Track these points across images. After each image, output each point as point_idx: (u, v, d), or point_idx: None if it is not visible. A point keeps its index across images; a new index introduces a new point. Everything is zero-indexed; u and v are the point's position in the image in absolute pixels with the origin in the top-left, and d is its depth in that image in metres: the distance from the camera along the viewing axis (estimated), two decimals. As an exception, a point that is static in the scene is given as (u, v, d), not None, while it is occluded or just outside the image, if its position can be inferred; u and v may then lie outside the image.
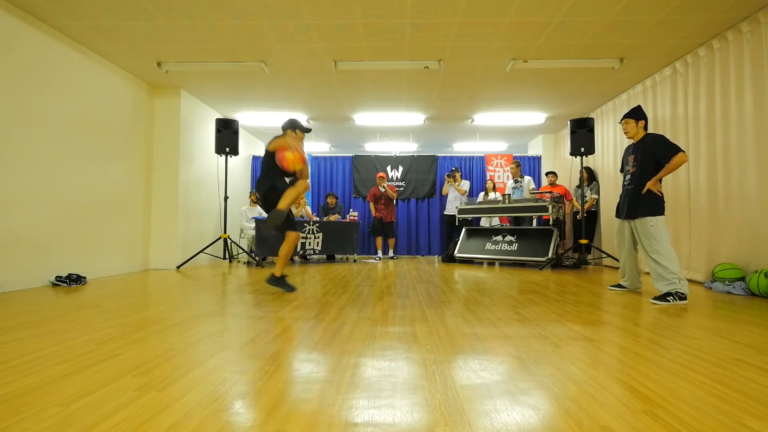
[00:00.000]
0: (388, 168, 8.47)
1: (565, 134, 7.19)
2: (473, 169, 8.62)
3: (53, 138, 3.98)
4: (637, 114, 3.38)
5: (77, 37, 4.14)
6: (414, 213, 8.49)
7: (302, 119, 7.06)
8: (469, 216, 6.85)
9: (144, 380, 1.42)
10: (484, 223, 7.47)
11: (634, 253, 3.50)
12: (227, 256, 6.24)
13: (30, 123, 3.73)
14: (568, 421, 1.14)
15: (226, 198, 5.98)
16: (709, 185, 4.11)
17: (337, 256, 7.62)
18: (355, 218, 7.29)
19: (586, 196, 6.30)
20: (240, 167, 7.92)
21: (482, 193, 7.55)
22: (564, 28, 3.95)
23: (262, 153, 8.29)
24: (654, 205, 3.20)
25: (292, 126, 3.44)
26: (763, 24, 3.53)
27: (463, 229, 6.88)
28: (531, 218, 6.46)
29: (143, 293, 3.39)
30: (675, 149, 3.11)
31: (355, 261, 7.10)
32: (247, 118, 7.03)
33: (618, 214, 3.53)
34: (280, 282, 3.43)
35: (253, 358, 1.68)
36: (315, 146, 9.28)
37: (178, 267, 5.51)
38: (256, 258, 6.10)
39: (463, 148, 9.26)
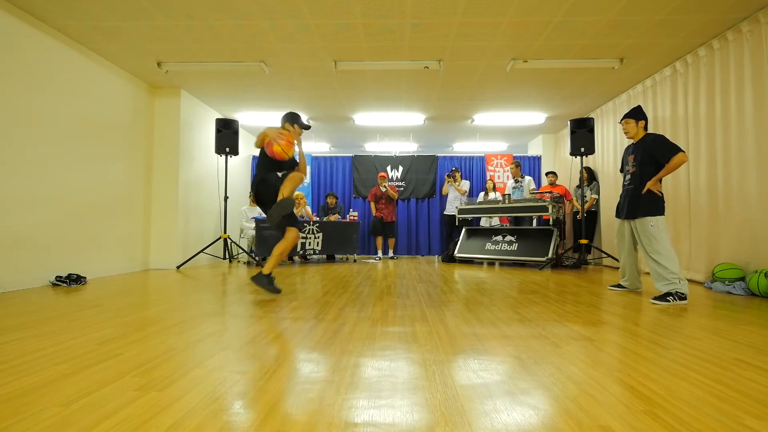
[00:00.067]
0: (388, 168, 8.47)
1: (565, 134, 7.18)
2: (473, 169, 8.62)
3: (53, 138, 3.98)
4: (637, 114, 3.38)
5: (77, 37, 4.14)
6: (414, 213, 8.49)
7: (303, 119, 7.05)
8: (469, 216, 6.85)
9: (144, 380, 1.42)
10: (484, 223, 7.47)
11: (634, 253, 3.50)
12: (227, 256, 6.24)
13: (30, 123, 3.73)
14: (568, 421, 1.14)
15: (226, 198, 5.98)
16: (709, 185, 4.11)
17: (337, 256, 7.62)
18: (355, 218, 7.29)
19: (586, 196, 6.30)
20: (240, 167, 7.92)
21: (482, 193, 7.55)
22: (564, 28, 3.95)
23: (262, 153, 8.27)
24: (654, 205, 3.20)
25: (290, 120, 3.36)
26: (763, 24, 3.53)
27: (463, 229, 6.88)
28: (531, 218, 6.46)
29: (143, 293, 3.39)
30: (675, 149, 3.11)
31: (355, 261, 7.10)
32: (247, 118, 7.03)
33: (618, 214, 3.53)
34: (265, 281, 3.13)
35: (253, 358, 1.68)
36: (315, 146, 9.28)
37: (178, 267, 5.51)
38: (256, 258, 6.09)
39: (463, 148, 9.26)
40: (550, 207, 5.68)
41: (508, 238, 6.17)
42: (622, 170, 3.59)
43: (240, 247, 6.38)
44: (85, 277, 4.05)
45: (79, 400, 1.25)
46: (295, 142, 3.25)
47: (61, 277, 3.88)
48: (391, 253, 7.71)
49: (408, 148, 9.22)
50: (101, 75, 4.64)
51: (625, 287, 3.58)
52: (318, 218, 7.12)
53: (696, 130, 4.32)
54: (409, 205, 8.49)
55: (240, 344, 1.88)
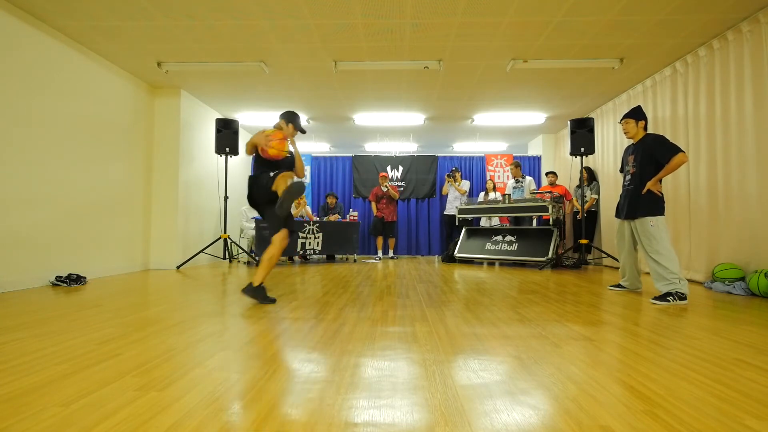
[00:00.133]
0: (388, 168, 8.47)
1: (565, 134, 7.19)
2: (473, 169, 8.62)
3: (53, 138, 3.98)
4: (637, 114, 3.38)
5: (77, 37, 4.14)
6: (414, 213, 8.49)
7: (302, 119, 7.07)
8: (469, 216, 6.85)
9: (144, 380, 1.42)
10: (484, 223, 7.47)
11: (633, 253, 3.50)
12: (227, 256, 6.24)
13: (30, 123, 3.73)
14: (568, 421, 1.14)
15: (226, 198, 5.98)
16: (709, 185, 4.11)
17: (337, 256, 7.62)
18: (355, 218, 7.29)
19: (586, 196, 6.30)
20: (240, 167, 7.92)
21: (482, 193, 7.55)
22: (564, 28, 3.95)
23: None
24: (654, 205, 3.20)
25: (286, 119, 3.18)
26: (763, 24, 3.53)
27: (463, 229, 6.88)
28: (531, 218, 6.47)
29: (143, 293, 3.39)
30: (675, 149, 3.11)
31: (355, 261, 7.10)
32: (247, 118, 7.03)
33: (618, 215, 3.53)
34: (258, 292, 2.88)
35: (253, 358, 1.68)
36: (315, 146, 9.28)
37: (178, 267, 5.51)
38: (256, 258, 6.09)
39: (463, 148, 9.26)
40: (550, 207, 5.68)
41: (508, 238, 6.17)
42: (622, 170, 3.59)
43: (240, 247, 6.38)
44: (85, 277, 4.05)
45: (79, 400, 1.25)
46: (288, 140, 3.07)
47: (61, 277, 3.88)
48: (391, 253, 7.71)
49: (408, 148, 9.22)
50: (101, 75, 4.64)
51: (625, 287, 3.58)
52: (318, 218, 7.12)
53: (696, 130, 4.32)
54: (409, 205, 8.49)
55: (240, 344, 1.88)
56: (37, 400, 1.26)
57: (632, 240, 3.45)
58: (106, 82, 4.72)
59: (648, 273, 4.61)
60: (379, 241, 7.51)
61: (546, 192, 6.14)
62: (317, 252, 6.59)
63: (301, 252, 6.44)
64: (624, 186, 3.46)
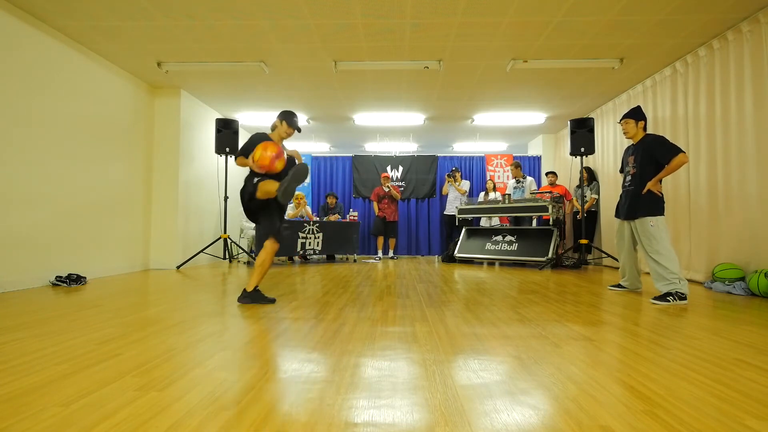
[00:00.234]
0: (388, 168, 8.47)
1: (565, 134, 7.18)
2: (473, 169, 8.62)
3: (53, 138, 3.98)
4: (636, 114, 3.38)
5: (77, 37, 4.14)
6: (414, 213, 8.49)
7: (302, 119, 7.06)
8: (469, 216, 6.85)
9: (144, 380, 1.42)
10: (484, 223, 7.47)
11: (633, 254, 3.50)
12: (227, 256, 6.24)
13: (30, 123, 3.73)
14: (568, 421, 1.14)
15: (226, 198, 5.98)
16: (709, 185, 4.11)
17: (337, 256, 7.62)
18: (355, 218, 7.29)
19: (586, 196, 6.30)
20: (240, 167, 7.91)
21: (482, 193, 7.55)
22: (564, 28, 3.95)
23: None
24: (654, 206, 3.20)
25: (283, 118, 3.06)
26: (763, 24, 3.53)
27: (463, 229, 6.88)
28: (531, 218, 6.47)
29: (143, 293, 3.39)
30: (675, 150, 3.11)
31: (355, 261, 7.10)
32: (247, 118, 7.03)
33: (618, 215, 3.53)
34: (254, 296, 2.91)
35: (253, 358, 1.68)
36: (315, 146, 9.28)
37: (178, 267, 5.51)
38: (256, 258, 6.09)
39: (463, 148, 9.26)
40: (550, 207, 5.68)
41: (508, 238, 6.17)
42: (622, 171, 3.59)
43: (240, 247, 6.38)
44: (85, 277, 4.05)
45: (79, 400, 1.25)
46: (279, 147, 2.91)
47: (61, 277, 3.88)
48: (391, 253, 7.71)
49: (408, 148, 9.22)
50: (101, 75, 4.64)
51: (625, 287, 3.58)
52: (318, 218, 7.12)
53: (696, 130, 4.32)
54: (409, 205, 8.49)
55: (240, 344, 1.88)
56: (37, 400, 1.26)
57: (632, 240, 3.45)
58: (106, 82, 4.72)
59: (648, 273, 4.61)
60: (380, 241, 7.51)
61: (546, 192, 6.14)
62: (317, 252, 6.59)
63: (301, 252, 6.44)
64: (624, 186, 3.46)
